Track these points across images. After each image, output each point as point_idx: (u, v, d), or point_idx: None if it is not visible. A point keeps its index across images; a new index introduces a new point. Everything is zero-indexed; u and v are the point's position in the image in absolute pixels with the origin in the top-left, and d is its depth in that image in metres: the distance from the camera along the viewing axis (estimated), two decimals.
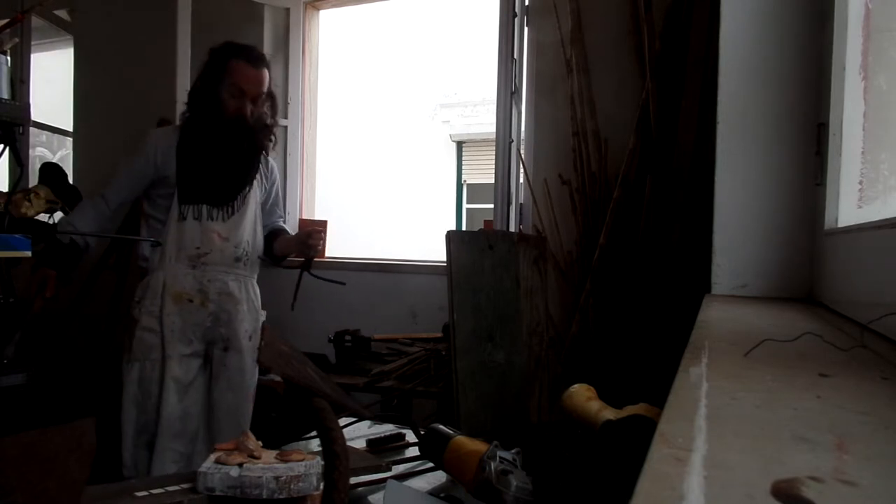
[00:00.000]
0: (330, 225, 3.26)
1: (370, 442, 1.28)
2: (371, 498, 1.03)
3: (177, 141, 1.99)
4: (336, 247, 3.37)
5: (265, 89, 1.99)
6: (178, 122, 2.09)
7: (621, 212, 2.20)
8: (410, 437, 1.30)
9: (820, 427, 0.42)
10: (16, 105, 2.02)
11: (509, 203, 2.47)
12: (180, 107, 2.97)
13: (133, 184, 2.00)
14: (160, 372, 1.90)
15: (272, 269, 2.29)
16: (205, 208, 1.98)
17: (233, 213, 2.03)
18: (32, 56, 3.68)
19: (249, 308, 2.06)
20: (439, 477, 1.10)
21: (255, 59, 1.97)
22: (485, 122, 7.35)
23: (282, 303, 2.28)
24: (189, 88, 2.08)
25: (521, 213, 2.61)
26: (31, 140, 3.94)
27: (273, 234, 2.20)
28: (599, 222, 2.27)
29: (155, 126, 3.35)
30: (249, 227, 2.07)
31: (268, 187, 2.15)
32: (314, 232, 2.04)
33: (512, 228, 2.49)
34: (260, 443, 0.95)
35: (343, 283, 2.08)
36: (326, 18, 3.55)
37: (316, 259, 2.40)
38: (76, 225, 1.97)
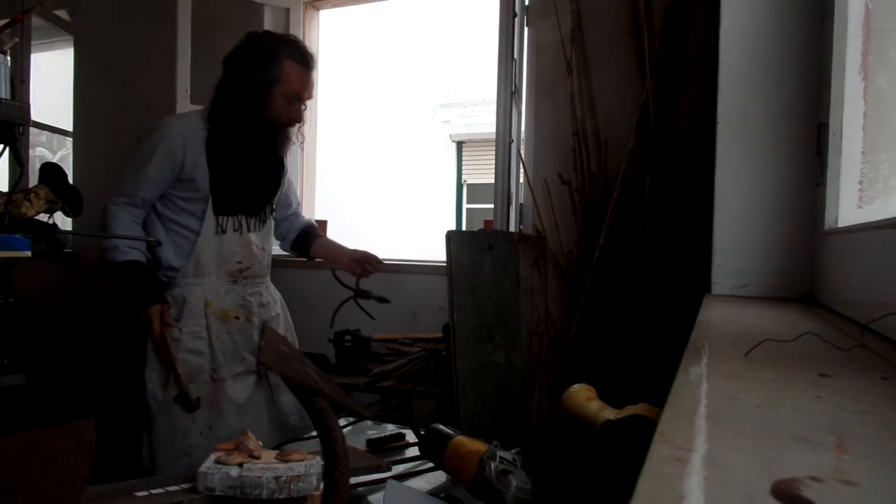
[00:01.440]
0: (330, 225, 3.26)
1: (370, 442, 1.28)
2: (371, 498, 1.03)
3: (204, 136, 1.79)
4: None
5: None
6: (200, 112, 1.87)
7: (621, 212, 2.20)
8: (410, 437, 1.30)
9: (820, 427, 0.42)
10: (16, 105, 2.02)
11: (509, 203, 2.47)
12: (180, 106, 2.97)
13: (164, 181, 1.77)
14: (214, 395, 1.77)
15: (273, 269, 2.28)
16: (243, 219, 1.85)
17: (265, 221, 1.94)
18: (32, 56, 3.68)
19: (282, 309, 2.02)
20: (439, 477, 1.10)
21: (310, 60, 1.81)
22: (485, 122, 7.36)
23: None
24: (223, 78, 1.83)
25: (521, 213, 2.61)
26: (31, 140, 3.94)
27: (306, 234, 2.13)
28: (599, 222, 2.26)
29: None
30: (272, 231, 2.01)
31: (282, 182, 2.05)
32: (373, 259, 1.99)
33: (512, 228, 2.49)
34: (260, 443, 0.95)
35: (388, 301, 2.00)
36: (326, 18, 3.55)
37: (318, 259, 2.38)
38: (128, 246, 1.75)
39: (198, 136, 1.78)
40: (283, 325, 2.01)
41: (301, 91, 1.79)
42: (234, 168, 1.80)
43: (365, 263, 1.99)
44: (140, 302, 1.74)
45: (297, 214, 2.18)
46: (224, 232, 1.82)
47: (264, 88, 1.75)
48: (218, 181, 1.78)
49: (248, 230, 1.87)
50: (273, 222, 2.01)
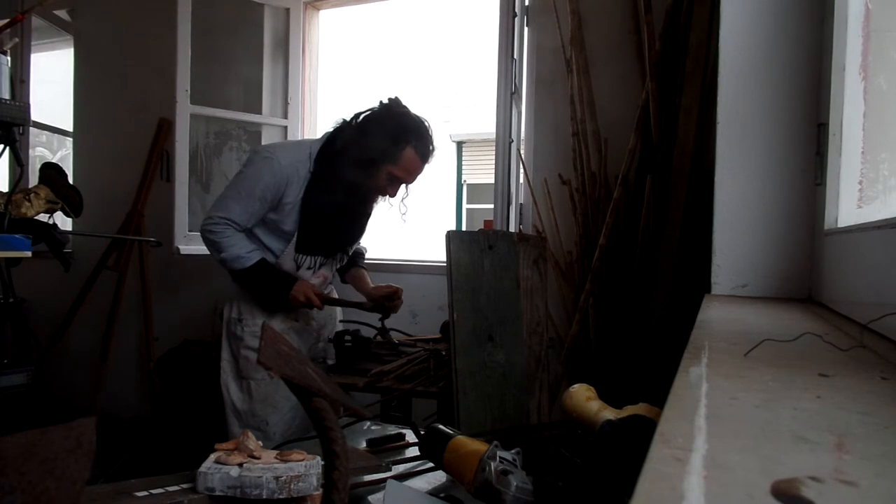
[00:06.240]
0: None
1: (370, 442, 1.28)
2: (371, 498, 1.03)
3: (307, 177, 1.84)
4: None
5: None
6: (308, 147, 1.92)
7: (621, 212, 2.20)
8: (410, 437, 1.30)
9: (820, 427, 0.42)
10: (16, 105, 2.02)
11: (509, 203, 2.47)
12: (180, 106, 2.96)
13: (263, 210, 1.85)
14: (271, 390, 1.93)
15: None
16: (319, 260, 2.00)
17: (342, 262, 2.10)
18: (32, 56, 3.68)
19: (339, 313, 2.18)
20: (439, 477, 1.10)
21: (429, 156, 1.89)
22: (485, 122, 7.36)
23: None
24: (345, 127, 1.90)
25: (521, 213, 2.61)
26: (31, 140, 3.94)
27: (351, 259, 2.20)
28: (599, 222, 2.26)
29: (155, 126, 3.37)
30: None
31: None
32: (394, 294, 2.04)
33: (512, 228, 2.49)
34: (260, 443, 0.95)
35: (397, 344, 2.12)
36: (326, 18, 3.55)
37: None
38: (248, 252, 1.87)
39: (301, 176, 1.85)
40: (340, 326, 2.16)
41: (406, 179, 1.89)
42: (323, 217, 1.89)
43: (388, 303, 2.06)
44: (283, 290, 1.87)
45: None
46: (299, 268, 1.96)
47: (377, 161, 1.82)
48: (305, 225, 1.88)
49: (322, 267, 2.01)
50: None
